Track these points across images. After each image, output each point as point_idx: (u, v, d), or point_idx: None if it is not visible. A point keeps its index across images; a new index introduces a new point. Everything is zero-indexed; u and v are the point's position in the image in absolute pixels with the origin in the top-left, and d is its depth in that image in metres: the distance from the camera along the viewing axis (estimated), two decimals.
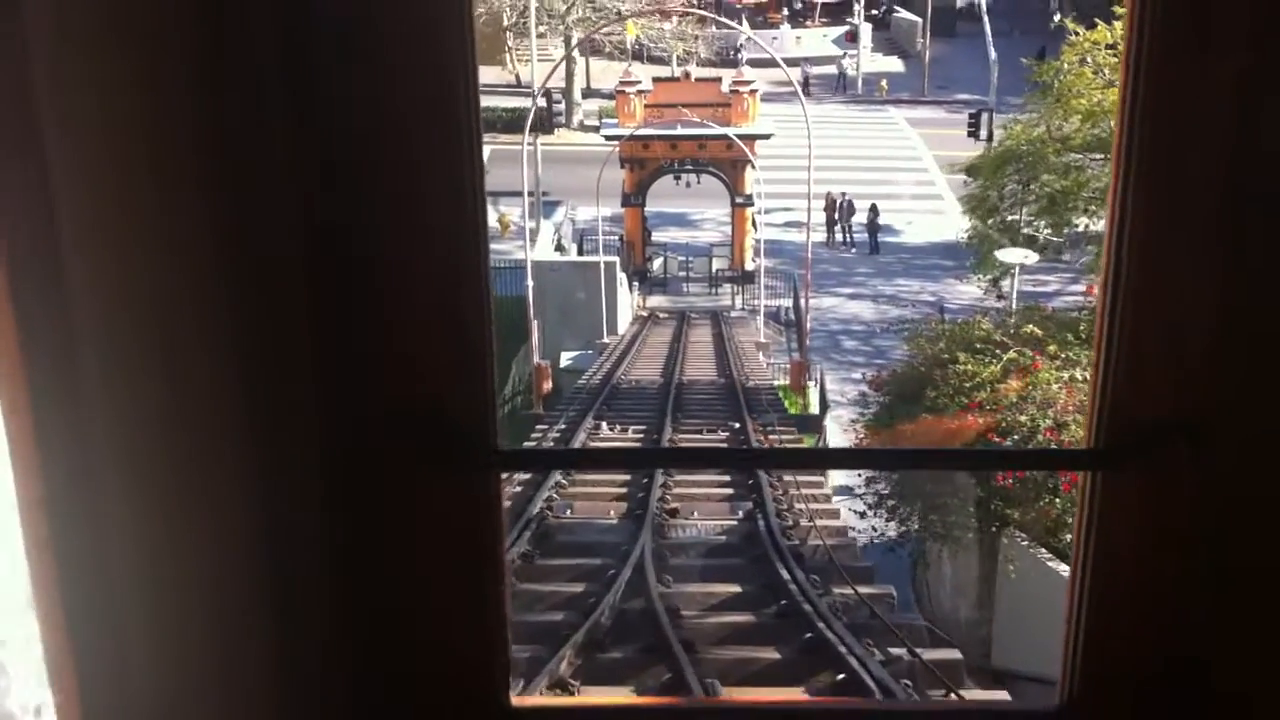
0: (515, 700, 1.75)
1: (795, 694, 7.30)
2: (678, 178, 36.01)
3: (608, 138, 35.01)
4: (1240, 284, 1.52)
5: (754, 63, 39.97)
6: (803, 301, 28.89)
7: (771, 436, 14.33)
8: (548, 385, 24.59)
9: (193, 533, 1.43)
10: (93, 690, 1.16)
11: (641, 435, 14.48)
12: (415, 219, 1.53)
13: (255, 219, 1.48)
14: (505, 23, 51.15)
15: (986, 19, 39.27)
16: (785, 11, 60.74)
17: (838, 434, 20.79)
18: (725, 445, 14.30)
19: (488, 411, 1.61)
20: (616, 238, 36.41)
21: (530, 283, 24.72)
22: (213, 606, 1.47)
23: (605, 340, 27.77)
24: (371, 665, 1.71)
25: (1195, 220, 1.51)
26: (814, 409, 23.86)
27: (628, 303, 32.33)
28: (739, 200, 35.83)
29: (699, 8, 51.14)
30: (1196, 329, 1.54)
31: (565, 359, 28.11)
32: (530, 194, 37.60)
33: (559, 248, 32.72)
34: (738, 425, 15.13)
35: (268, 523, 1.55)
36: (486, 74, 56.22)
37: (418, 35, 1.48)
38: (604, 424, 15.22)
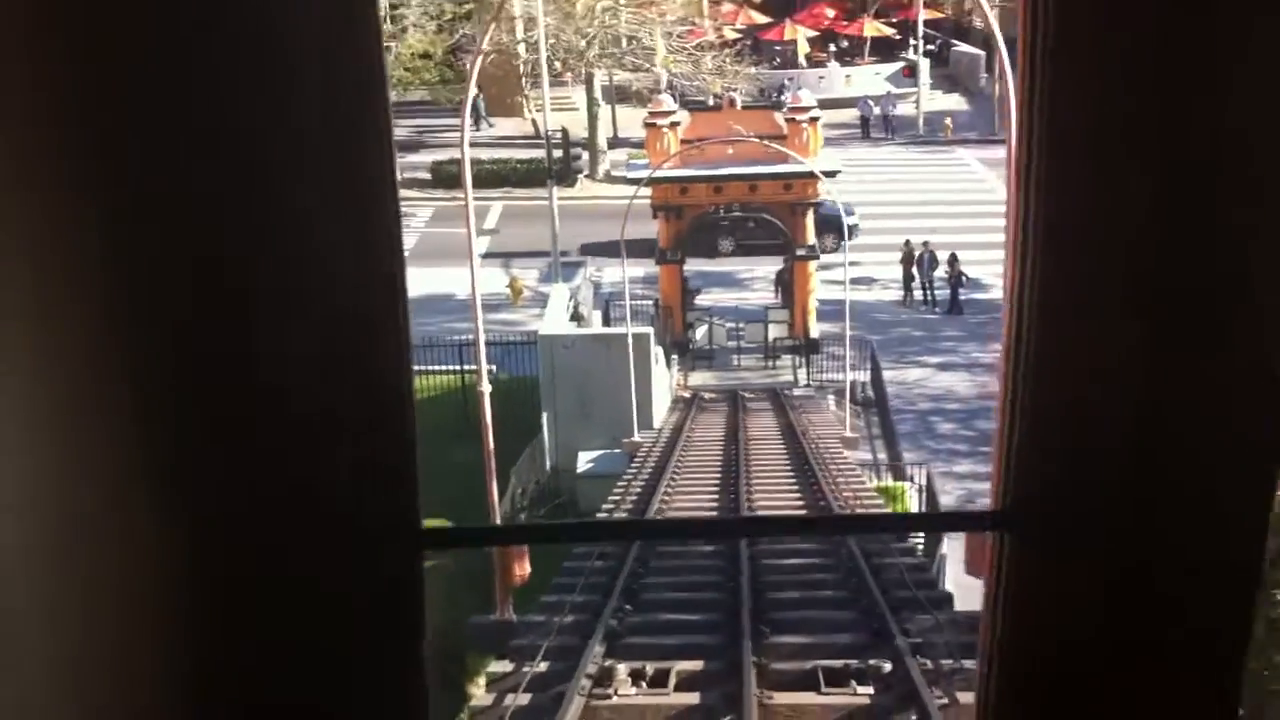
0: None
1: None
2: (723, 227, 29.40)
3: (632, 182, 28.24)
4: (1144, 349, 1.52)
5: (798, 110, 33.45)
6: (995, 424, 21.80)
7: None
8: (524, 569, 13.46)
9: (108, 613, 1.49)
10: None
11: None
12: (323, 283, 1.46)
13: (157, 294, 1.44)
14: (520, 67, 45.02)
15: None
16: (832, 49, 54.50)
17: None
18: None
19: (410, 491, 1.56)
20: (651, 303, 29.79)
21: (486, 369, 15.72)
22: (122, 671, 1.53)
23: (636, 438, 20.89)
24: None
25: (1098, 284, 1.50)
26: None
27: (665, 383, 25.52)
28: (801, 252, 29.08)
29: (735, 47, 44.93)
30: (1099, 392, 1.54)
31: (583, 462, 21.34)
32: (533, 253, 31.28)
33: (576, 317, 25.99)
34: (890, 667, 8.24)
35: (179, 575, 1.52)
36: (503, 125, 50.52)
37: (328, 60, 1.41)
38: (617, 674, 8.23)
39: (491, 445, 13.69)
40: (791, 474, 16.82)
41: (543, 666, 8.18)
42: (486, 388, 14.25)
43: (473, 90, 13.98)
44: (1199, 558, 1.58)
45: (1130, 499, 1.55)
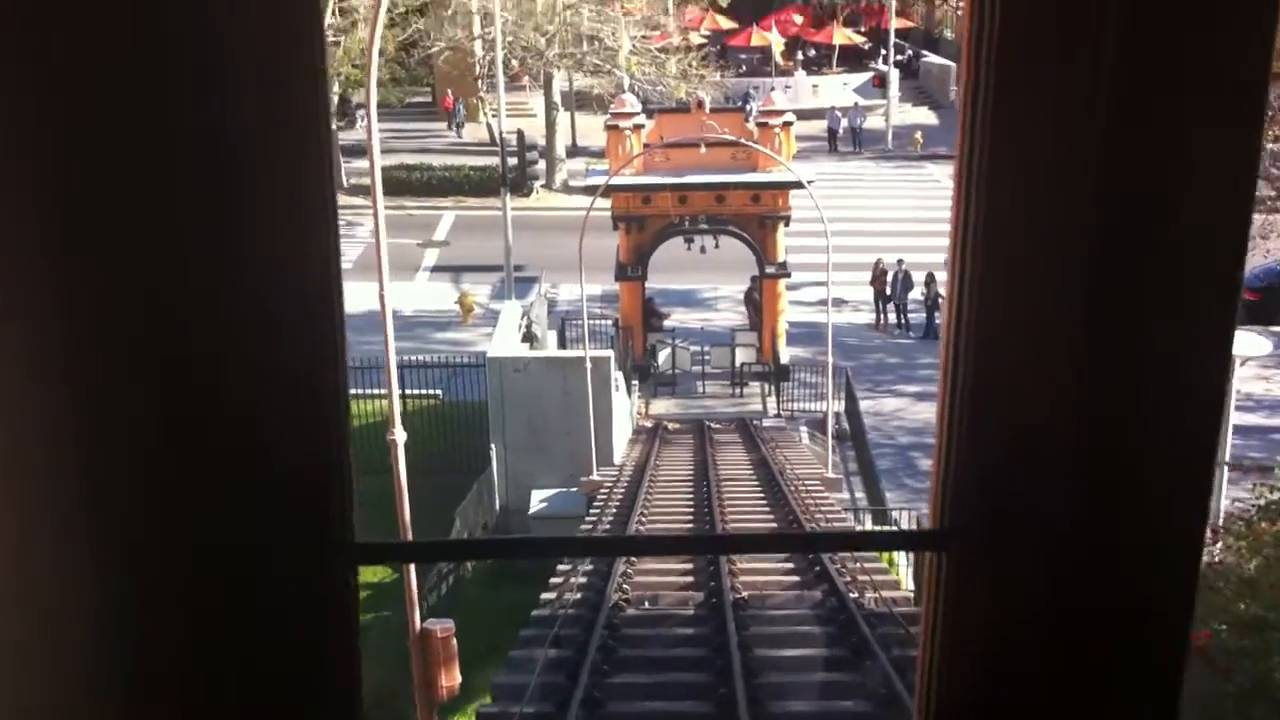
0: None
1: None
2: (689, 241, 27.32)
3: (590, 190, 26.00)
4: (1081, 369, 1.49)
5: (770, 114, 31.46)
6: None
7: None
8: (453, 679, 9.42)
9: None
10: None
11: None
12: (259, 292, 1.43)
13: (101, 301, 1.43)
14: (477, 67, 42.81)
15: None
16: (800, 56, 52.73)
17: None
18: None
19: (345, 504, 1.54)
20: (611, 323, 27.68)
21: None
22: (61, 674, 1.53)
23: (595, 476, 18.77)
24: None
25: (1035, 305, 1.50)
26: None
27: (625, 412, 23.41)
28: (770, 270, 27.10)
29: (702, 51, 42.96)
30: (1037, 413, 1.52)
31: (537, 502, 19.21)
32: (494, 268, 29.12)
33: (529, 337, 23.85)
34: None
35: (124, 593, 1.50)
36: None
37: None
38: None
39: (408, 514, 9.84)
40: (774, 526, 14.70)
41: None
42: (400, 435, 9.82)
43: (373, 84, 11.08)
44: (1137, 578, 1.56)
45: (1067, 519, 1.53)
